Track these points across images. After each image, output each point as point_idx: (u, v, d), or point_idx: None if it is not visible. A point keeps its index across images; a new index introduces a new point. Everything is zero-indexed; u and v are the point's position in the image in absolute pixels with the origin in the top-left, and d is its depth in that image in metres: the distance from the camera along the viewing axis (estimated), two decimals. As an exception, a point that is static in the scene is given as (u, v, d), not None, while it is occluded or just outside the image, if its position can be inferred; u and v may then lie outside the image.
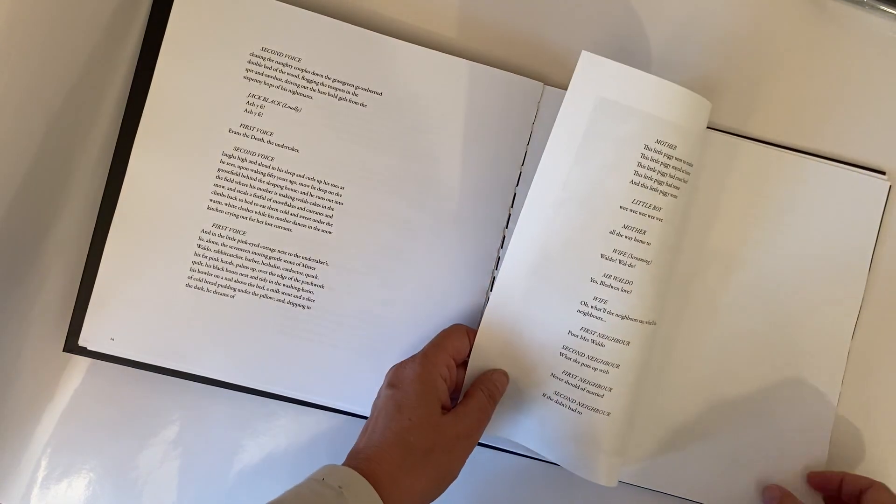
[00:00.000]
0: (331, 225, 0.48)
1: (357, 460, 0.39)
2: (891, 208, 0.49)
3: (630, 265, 0.43)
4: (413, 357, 0.44)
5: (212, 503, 0.48)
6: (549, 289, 0.44)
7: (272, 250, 0.48)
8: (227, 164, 0.47)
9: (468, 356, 0.45)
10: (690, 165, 0.44)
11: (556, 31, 0.50)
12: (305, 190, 0.48)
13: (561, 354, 0.44)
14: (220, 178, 0.47)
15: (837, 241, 0.49)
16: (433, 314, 0.48)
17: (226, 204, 0.47)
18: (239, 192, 0.47)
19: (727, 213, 0.49)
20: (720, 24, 0.50)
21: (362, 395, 0.48)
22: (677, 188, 0.44)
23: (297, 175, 0.48)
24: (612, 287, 0.43)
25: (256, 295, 0.47)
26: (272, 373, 0.48)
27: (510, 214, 0.49)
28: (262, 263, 0.47)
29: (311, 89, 0.48)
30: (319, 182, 0.48)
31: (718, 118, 0.50)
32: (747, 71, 0.50)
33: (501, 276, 0.45)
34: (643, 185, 0.43)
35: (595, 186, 0.43)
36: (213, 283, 0.47)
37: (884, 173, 0.50)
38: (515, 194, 0.49)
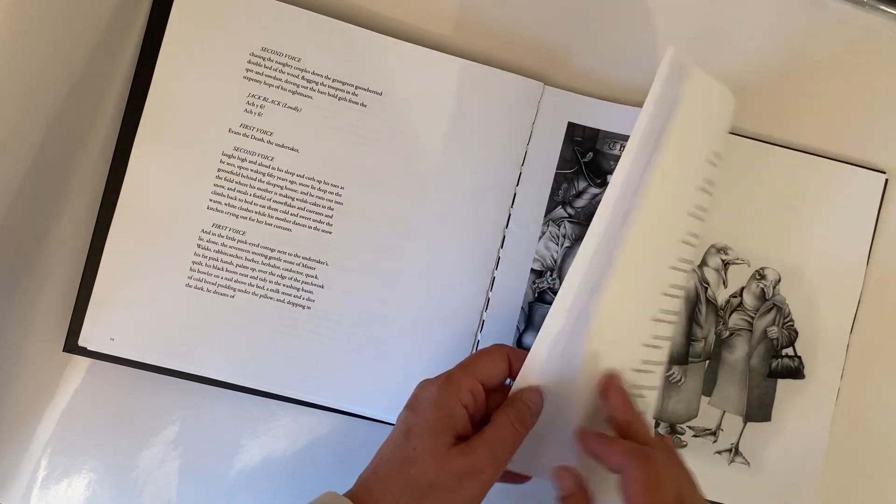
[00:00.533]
0: (331, 225, 0.48)
1: (359, 489, 0.37)
2: (887, 203, 0.50)
3: (685, 270, 0.41)
4: (438, 377, 0.39)
5: (212, 503, 0.48)
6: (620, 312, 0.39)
7: (272, 250, 0.48)
8: (227, 164, 0.47)
9: (504, 381, 0.40)
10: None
11: (555, 31, 0.50)
12: (305, 190, 0.48)
13: None
14: (220, 178, 0.47)
15: (834, 237, 0.49)
16: (432, 314, 0.48)
17: (226, 204, 0.47)
18: (239, 192, 0.47)
19: (724, 209, 0.49)
20: (719, 24, 0.50)
21: (362, 394, 0.48)
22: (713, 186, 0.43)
23: (297, 175, 0.48)
24: (671, 312, 0.41)
25: (256, 295, 0.47)
26: (272, 373, 0.48)
27: (510, 214, 0.49)
28: (262, 263, 0.47)
29: (311, 89, 0.48)
30: (319, 182, 0.48)
31: (718, 118, 0.50)
32: (746, 70, 0.50)
33: (563, 293, 0.39)
34: (705, 191, 0.42)
35: (668, 194, 0.40)
36: (213, 283, 0.47)
37: (883, 172, 0.50)
38: (515, 194, 0.49)
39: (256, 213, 0.47)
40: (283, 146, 0.47)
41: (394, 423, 0.49)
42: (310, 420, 0.49)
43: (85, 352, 0.47)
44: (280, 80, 0.47)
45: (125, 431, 0.48)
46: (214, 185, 0.47)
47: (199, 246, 0.47)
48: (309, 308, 0.48)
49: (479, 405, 0.39)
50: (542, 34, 0.50)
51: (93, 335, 0.46)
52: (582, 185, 0.49)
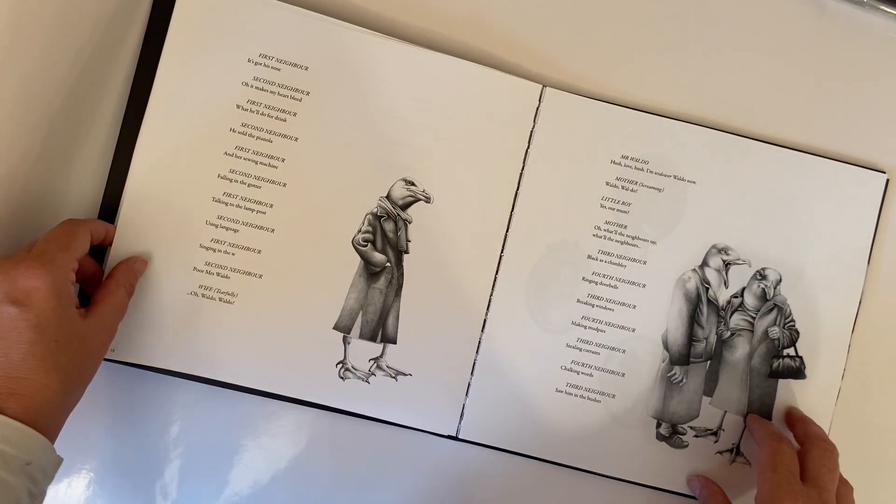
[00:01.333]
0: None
1: (26, 414, 0.35)
2: (888, 203, 0.50)
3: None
4: (37, 262, 0.37)
5: (211, 503, 0.48)
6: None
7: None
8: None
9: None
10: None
11: (555, 31, 0.50)
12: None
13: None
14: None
15: (835, 237, 0.49)
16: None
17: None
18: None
19: (724, 209, 0.49)
20: (719, 23, 0.50)
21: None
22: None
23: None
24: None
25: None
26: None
27: (511, 216, 0.49)
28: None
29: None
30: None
31: (715, 117, 0.50)
32: (746, 70, 0.50)
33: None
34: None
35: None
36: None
37: (883, 172, 0.50)
38: (517, 195, 0.49)
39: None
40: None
41: (396, 423, 0.49)
42: (310, 420, 0.49)
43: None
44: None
45: (125, 431, 0.48)
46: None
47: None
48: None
49: (76, 278, 0.41)
50: (542, 34, 0.50)
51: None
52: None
